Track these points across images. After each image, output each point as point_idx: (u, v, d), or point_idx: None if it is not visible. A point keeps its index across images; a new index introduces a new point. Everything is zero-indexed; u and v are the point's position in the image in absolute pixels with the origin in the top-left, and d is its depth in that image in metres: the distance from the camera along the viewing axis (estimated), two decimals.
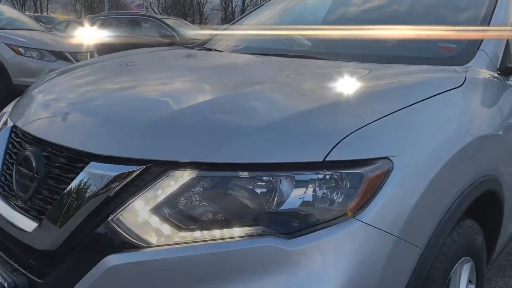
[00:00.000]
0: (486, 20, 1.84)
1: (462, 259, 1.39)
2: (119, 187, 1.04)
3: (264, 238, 0.96)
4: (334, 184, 1.00)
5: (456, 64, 1.63)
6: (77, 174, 1.11)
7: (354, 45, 2.02)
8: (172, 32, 9.08)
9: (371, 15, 2.27)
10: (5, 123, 1.53)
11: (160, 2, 76.91)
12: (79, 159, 1.13)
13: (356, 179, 1.00)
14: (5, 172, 1.38)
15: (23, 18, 7.80)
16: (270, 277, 0.94)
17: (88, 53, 7.08)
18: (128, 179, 1.04)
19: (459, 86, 1.40)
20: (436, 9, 2.10)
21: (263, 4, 2.79)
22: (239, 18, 2.80)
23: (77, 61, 6.74)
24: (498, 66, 1.71)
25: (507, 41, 1.82)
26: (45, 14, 45.78)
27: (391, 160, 1.05)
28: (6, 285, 1.15)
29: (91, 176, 1.08)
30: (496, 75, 1.68)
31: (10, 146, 1.41)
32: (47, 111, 1.34)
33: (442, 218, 1.15)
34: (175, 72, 1.74)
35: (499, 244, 1.79)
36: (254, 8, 2.82)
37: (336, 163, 1.01)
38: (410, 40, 1.88)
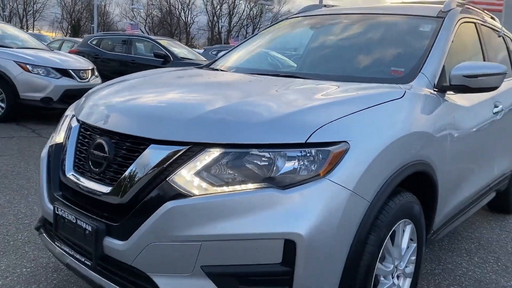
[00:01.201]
0: (428, 51, 2.47)
1: (403, 220, 1.97)
2: (172, 159, 1.60)
3: (267, 189, 1.53)
4: (311, 157, 1.58)
5: (402, 83, 2.25)
6: (140, 153, 1.66)
7: (329, 68, 2.65)
8: (166, 51, 9.66)
9: (344, 44, 2.90)
10: (71, 122, 2.09)
11: (147, 21, 77.73)
12: (141, 143, 1.69)
13: (325, 154, 1.58)
14: (78, 156, 1.92)
15: (28, 37, 8.32)
16: (271, 210, 1.50)
17: (90, 70, 7.62)
18: (177, 155, 1.60)
19: (400, 98, 2.01)
20: (390, 41, 2.74)
21: (257, 33, 3.42)
22: (240, 43, 3.40)
23: (81, 78, 7.28)
24: (435, 85, 2.33)
25: (443, 66, 2.45)
26: (32, 31, 46.19)
27: (348, 143, 1.64)
28: (90, 229, 1.69)
29: (151, 154, 1.64)
30: (432, 91, 2.29)
31: (80, 137, 1.96)
32: (113, 110, 1.91)
33: (384, 184, 1.73)
34: (196, 86, 2.33)
35: (437, 218, 2.38)
36: (251, 36, 3.44)
37: (313, 144, 1.59)
38: (370, 64, 2.51)
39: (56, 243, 1.96)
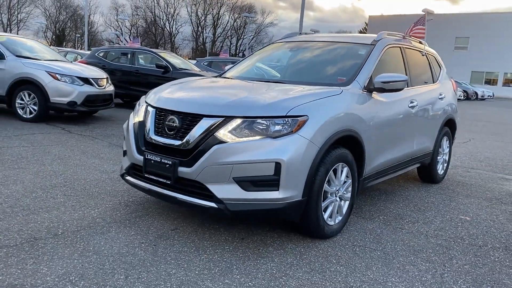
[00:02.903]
0: (361, 67, 4.01)
1: (341, 163, 3.49)
2: (215, 125, 3.08)
3: (266, 139, 3.02)
4: (289, 123, 3.08)
5: (343, 86, 3.79)
6: (197, 122, 3.15)
7: (301, 76, 4.21)
8: (166, 63, 11.10)
9: (310, 61, 4.46)
10: (148, 108, 3.56)
11: (131, 31, 78.96)
12: (196, 117, 3.17)
13: (295, 121, 3.08)
14: (157, 127, 3.39)
15: (51, 51, 9.72)
16: (267, 148, 2.98)
17: (105, 79, 9.03)
18: (218, 123, 3.08)
19: (339, 94, 3.54)
20: (339, 59, 4.31)
21: (252, 53, 4.96)
22: (240, 60, 4.95)
23: (99, 85, 8.70)
24: (364, 87, 3.87)
25: (371, 76, 3.99)
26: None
27: (308, 116, 3.14)
28: (170, 162, 3.16)
29: (203, 123, 3.12)
30: (362, 91, 3.83)
31: (157, 116, 3.43)
32: (178, 99, 3.41)
33: (327, 138, 3.23)
34: (220, 86, 3.84)
35: (367, 168, 3.91)
36: (249, 55, 4.98)
37: (289, 116, 3.09)
38: (326, 74, 4.07)
39: (142, 179, 3.41)
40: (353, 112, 3.60)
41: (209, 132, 3.09)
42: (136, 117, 3.65)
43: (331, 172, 3.38)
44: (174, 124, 3.27)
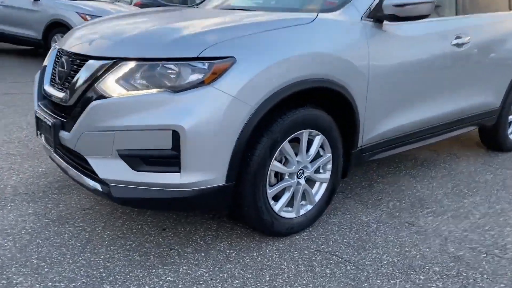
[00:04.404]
0: None
1: (307, 130, 2.32)
2: (101, 71, 2.09)
3: (163, 92, 1.97)
4: (199, 69, 1.99)
5: (331, 11, 2.53)
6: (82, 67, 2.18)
7: (282, 2, 2.96)
8: None
9: None
10: (55, 47, 2.66)
11: None
12: (84, 59, 2.20)
13: (210, 66, 1.98)
14: (53, 74, 2.50)
15: None
16: (164, 108, 1.95)
17: None
18: (105, 67, 2.09)
19: (308, 23, 2.32)
20: None
21: None
22: None
23: None
24: (367, 14, 2.56)
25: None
26: None
27: (235, 58, 2.01)
28: (50, 124, 2.27)
29: (88, 67, 2.15)
30: (361, 21, 2.53)
31: (56, 60, 2.52)
32: (73, 38, 2.46)
33: (272, 94, 2.09)
34: (147, 17, 2.76)
35: (366, 136, 2.67)
36: None
37: (203, 58, 1.99)
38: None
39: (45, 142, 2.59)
40: (335, 54, 2.36)
41: (93, 82, 2.12)
42: (45, 62, 2.80)
43: (285, 144, 2.26)
44: (63, 69, 2.36)
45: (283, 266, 2.17)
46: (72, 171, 2.29)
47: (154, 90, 2.01)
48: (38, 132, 2.53)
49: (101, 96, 2.06)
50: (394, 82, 2.70)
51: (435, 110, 3.07)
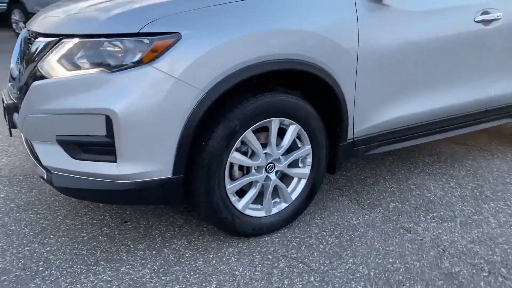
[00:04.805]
0: None
1: (278, 118, 2.03)
2: (47, 49, 1.92)
3: (100, 72, 1.76)
4: (138, 46, 1.75)
5: None
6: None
7: None
8: None
9: None
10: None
11: None
12: (36, 37, 2.05)
13: (149, 43, 1.74)
14: (20, 54, 2.38)
15: None
16: (98, 90, 1.74)
17: None
18: (50, 45, 1.91)
19: None
20: None
21: None
22: None
23: None
24: None
25: None
26: None
27: (180, 34, 1.76)
28: (5, 106, 2.15)
29: (35, 45, 1.99)
30: None
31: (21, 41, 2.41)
32: (36, 17, 2.31)
33: (226, 76, 1.82)
34: None
35: (357, 127, 2.32)
36: None
37: (143, 34, 1.75)
38: None
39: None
40: (311, 30, 2.02)
41: (38, 60, 1.96)
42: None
43: (248, 133, 1.98)
44: (21, 48, 2.23)
45: (236, 272, 1.92)
46: (30, 157, 2.16)
47: (93, 70, 1.80)
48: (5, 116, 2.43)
49: (43, 76, 1.90)
50: (393, 66, 2.32)
51: (450, 99, 2.63)
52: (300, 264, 1.98)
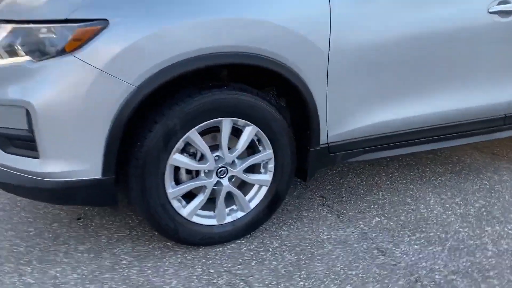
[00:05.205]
0: None
1: (228, 118, 1.81)
2: None
3: (29, 61, 1.62)
4: (62, 34, 1.59)
5: None
6: None
7: None
8: None
9: None
10: None
11: None
12: None
13: (71, 30, 1.58)
14: None
15: None
16: (19, 80, 1.61)
17: None
18: None
19: None
20: None
21: None
22: None
23: None
24: None
25: None
26: None
27: (108, 20, 1.58)
28: None
29: None
30: None
31: None
32: None
33: (161, 69, 1.62)
34: None
35: (331, 132, 2.05)
36: None
37: (71, 21, 1.60)
38: None
39: None
40: (265, 19, 1.77)
41: None
42: None
43: (191, 133, 1.77)
44: None
45: (167, 287, 1.74)
46: None
47: (21, 59, 1.67)
48: None
49: None
50: (378, 65, 2.01)
51: (450, 103, 2.26)
52: (241, 283, 1.76)
